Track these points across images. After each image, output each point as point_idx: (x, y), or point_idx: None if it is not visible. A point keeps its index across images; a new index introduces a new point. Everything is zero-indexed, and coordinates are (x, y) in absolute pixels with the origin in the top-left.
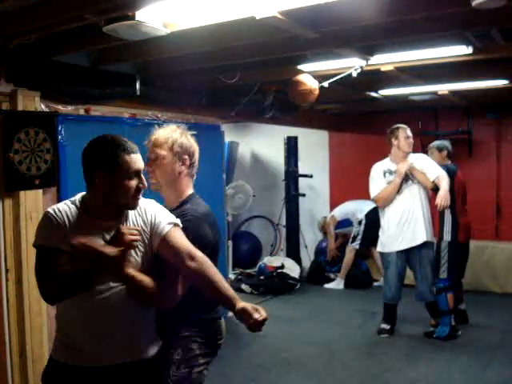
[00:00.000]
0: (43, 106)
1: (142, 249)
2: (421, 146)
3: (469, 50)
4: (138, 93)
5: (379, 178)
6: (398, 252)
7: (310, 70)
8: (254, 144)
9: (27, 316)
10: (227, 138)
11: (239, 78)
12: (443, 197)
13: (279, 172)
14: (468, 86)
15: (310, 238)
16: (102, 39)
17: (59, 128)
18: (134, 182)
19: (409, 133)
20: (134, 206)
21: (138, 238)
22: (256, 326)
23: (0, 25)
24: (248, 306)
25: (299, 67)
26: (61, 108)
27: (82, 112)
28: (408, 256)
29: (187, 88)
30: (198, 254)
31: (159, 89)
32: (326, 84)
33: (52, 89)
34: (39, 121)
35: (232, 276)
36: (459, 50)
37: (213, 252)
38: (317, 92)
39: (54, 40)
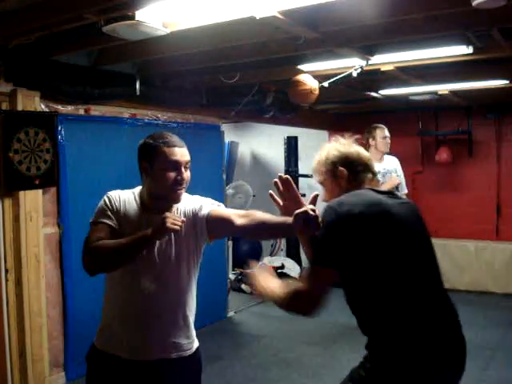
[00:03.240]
0: (43, 106)
1: (192, 241)
2: (421, 146)
3: (469, 49)
4: (138, 93)
5: None
6: None
7: (310, 69)
8: (254, 144)
9: (27, 316)
10: (227, 138)
11: (239, 78)
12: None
13: (279, 172)
14: (468, 86)
15: None
16: (101, 39)
17: (59, 128)
18: (171, 174)
19: (386, 133)
20: (174, 199)
21: (179, 224)
22: (308, 217)
23: (0, 25)
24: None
25: (299, 67)
26: (61, 108)
27: (81, 112)
28: None
29: (187, 88)
30: (243, 211)
31: (159, 89)
32: (326, 84)
33: (52, 89)
34: (39, 121)
35: (232, 276)
36: (459, 50)
37: None
38: (317, 92)
39: (53, 40)
